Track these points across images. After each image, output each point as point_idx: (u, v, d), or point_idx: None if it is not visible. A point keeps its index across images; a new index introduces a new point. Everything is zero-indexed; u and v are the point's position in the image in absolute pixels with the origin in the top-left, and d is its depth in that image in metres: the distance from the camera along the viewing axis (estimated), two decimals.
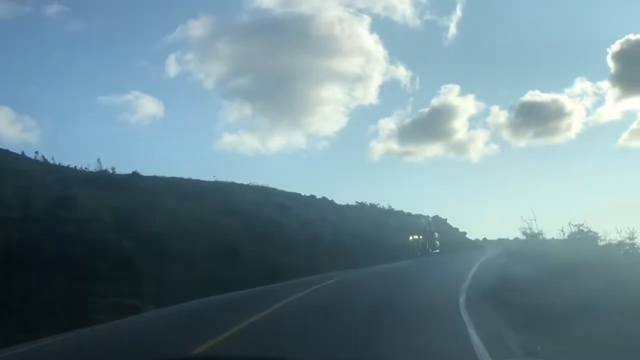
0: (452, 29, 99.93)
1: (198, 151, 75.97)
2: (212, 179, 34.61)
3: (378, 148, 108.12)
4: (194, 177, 34.50)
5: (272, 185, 38.30)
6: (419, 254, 37.70)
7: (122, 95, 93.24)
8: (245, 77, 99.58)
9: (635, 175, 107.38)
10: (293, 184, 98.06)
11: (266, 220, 25.96)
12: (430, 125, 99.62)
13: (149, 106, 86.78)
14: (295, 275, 20.36)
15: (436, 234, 45.57)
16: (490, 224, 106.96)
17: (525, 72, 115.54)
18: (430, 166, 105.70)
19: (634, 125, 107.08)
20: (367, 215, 42.68)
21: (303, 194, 39.97)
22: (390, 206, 53.34)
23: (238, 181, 36.83)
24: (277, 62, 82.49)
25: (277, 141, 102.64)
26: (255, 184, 36.70)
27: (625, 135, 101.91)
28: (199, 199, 26.83)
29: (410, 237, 41.06)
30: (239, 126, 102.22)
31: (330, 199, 43.52)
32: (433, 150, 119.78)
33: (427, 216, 52.70)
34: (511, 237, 67.42)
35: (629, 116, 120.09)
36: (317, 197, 42.08)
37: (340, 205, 42.35)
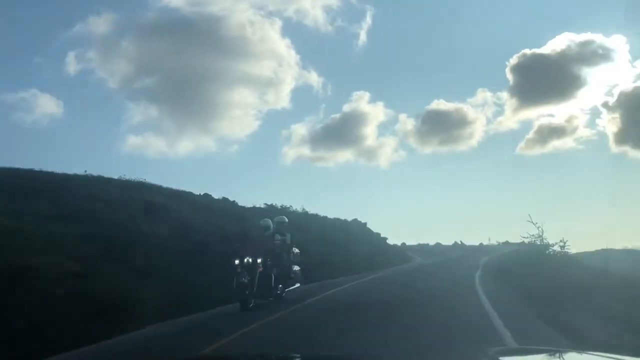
0: (363, 37, 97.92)
1: (100, 152, 67.64)
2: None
3: (290, 153, 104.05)
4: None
5: (155, 181, 29.59)
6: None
7: (17, 93, 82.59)
8: (151, 77, 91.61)
9: (531, 181, 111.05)
10: (203, 188, 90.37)
11: (122, 225, 17.74)
12: (341, 131, 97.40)
13: (47, 105, 77.12)
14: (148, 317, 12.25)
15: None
16: (407, 229, 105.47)
17: (431, 82, 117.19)
18: (341, 171, 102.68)
19: (530, 135, 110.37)
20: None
21: (197, 193, 31.68)
22: (304, 209, 46.82)
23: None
24: (186, 63, 75.72)
25: (186, 144, 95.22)
26: (126, 177, 27.88)
27: (522, 144, 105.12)
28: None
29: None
30: (145, 128, 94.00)
31: (232, 199, 35.62)
32: (344, 156, 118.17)
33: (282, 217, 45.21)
34: (431, 243, 65.67)
35: (526, 126, 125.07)
36: (215, 197, 34.23)
37: (244, 208, 34.53)
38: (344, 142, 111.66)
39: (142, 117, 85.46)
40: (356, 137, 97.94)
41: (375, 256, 34.88)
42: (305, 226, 33.46)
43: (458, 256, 46.29)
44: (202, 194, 32.31)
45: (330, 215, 52.70)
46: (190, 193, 31.14)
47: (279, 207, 44.25)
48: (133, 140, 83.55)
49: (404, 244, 60.82)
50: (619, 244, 66.63)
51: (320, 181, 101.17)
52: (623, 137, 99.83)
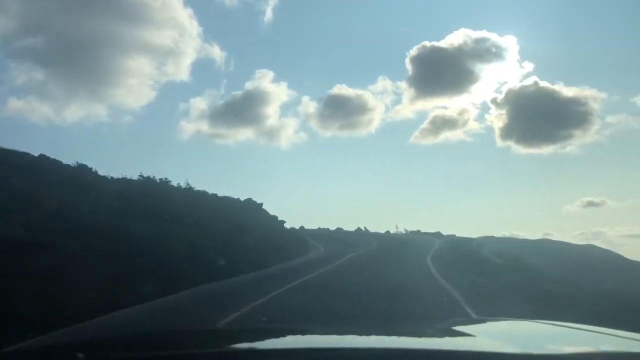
0: (269, 14, 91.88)
1: None
2: None
3: (188, 128, 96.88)
4: None
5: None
6: None
7: None
8: (38, 37, 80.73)
9: (423, 170, 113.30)
10: (88, 158, 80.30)
11: None
12: (243, 109, 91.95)
13: None
14: None
15: None
16: (307, 213, 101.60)
17: (334, 66, 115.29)
18: (241, 150, 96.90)
19: (424, 125, 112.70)
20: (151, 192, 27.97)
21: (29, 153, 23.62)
22: (189, 184, 39.77)
23: None
24: (78, 23, 66.40)
25: (75, 111, 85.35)
26: None
27: (416, 133, 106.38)
28: None
29: None
30: (29, 91, 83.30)
31: (92, 168, 27.74)
32: (245, 134, 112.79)
33: None
34: (332, 227, 61.14)
35: (421, 116, 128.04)
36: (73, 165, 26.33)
37: (105, 178, 26.92)
38: (245, 120, 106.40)
39: (25, 79, 73.50)
40: (258, 116, 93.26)
41: (270, 245, 28.60)
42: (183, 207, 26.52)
43: (377, 248, 37.50)
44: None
45: (227, 196, 46.25)
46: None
47: (158, 181, 37.13)
48: (14, 104, 71.56)
49: (302, 227, 55.41)
50: (499, 232, 68.66)
51: (218, 159, 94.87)
52: (508, 132, 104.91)
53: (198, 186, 41.85)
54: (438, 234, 45.04)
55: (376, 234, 50.73)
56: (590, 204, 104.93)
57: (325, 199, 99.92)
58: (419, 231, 50.49)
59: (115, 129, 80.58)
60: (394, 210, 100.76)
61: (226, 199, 45.29)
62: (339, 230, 56.15)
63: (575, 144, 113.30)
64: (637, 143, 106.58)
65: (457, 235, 44.07)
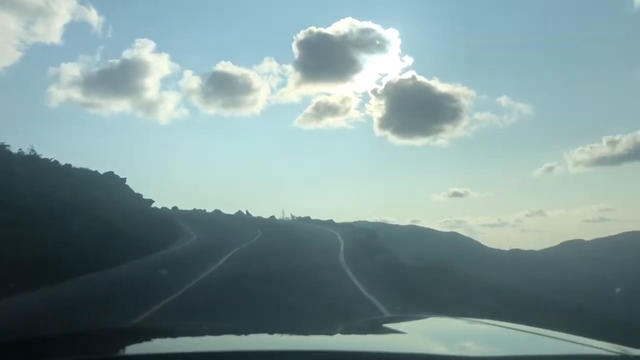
0: None
1: None
2: None
3: (58, 95, 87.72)
4: None
5: None
6: None
7: None
8: None
9: (305, 155, 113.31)
10: None
11: None
12: (120, 79, 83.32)
13: None
14: None
15: None
16: (182, 193, 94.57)
17: (220, 42, 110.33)
18: (115, 122, 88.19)
19: (308, 110, 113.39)
20: None
21: None
22: (33, 151, 32.07)
23: None
24: None
25: None
26: None
27: (300, 117, 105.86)
28: None
29: None
30: None
31: None
32: (120, 105, 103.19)
33: None
34: (209, 209, 54.98)
35: (305, 100, 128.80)
36: None
37: None
38: (122, 91, 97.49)
39: None
40: (136, 87, 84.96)
41: (116, 231, 21.75)
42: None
43: (265, 242, 26.95)
44: None
45: (85, 167, 38.56)
46: None
47: None
48: None
49: (176, 208, 48.55)
50: (372, 217, 71.39)
51: (89, 130, 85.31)
52: (385, 123, 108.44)
53: (63, 159, 34.68)
54: (330, 223, 39.88)
55: (259, 219, 44.66)
56: (455, 194, 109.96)
57: (205, 179, 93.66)
58: (308, 218, 45.37)
59: None
60: (276, 194, 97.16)
61: (81, 171, 37.54)
62: (217, 212, 49.81)
63: (445, 138, 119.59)
64: (498, 140, 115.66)
65: (336, 220, 40.04)
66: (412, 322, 2.84)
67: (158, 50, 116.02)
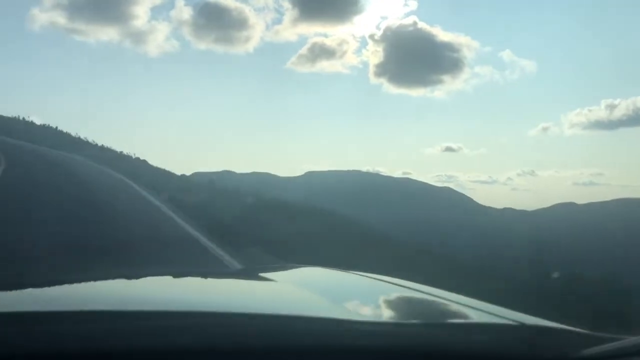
0: None
1: None
2: None
3: (41, 18, 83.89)
4: None
5: None
6: None
7: None
8: None
9: (294, 100, 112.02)
10: None
11: None
12: (108, 4, 78.73)
13: None
14: None
15: None
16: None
17: None
18: (102, 51, 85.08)
19: (302, 51, 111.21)
20: None
21: None
22: None
23: None
24: None
25: None
26: None
27: (293, 58, 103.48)
28: None
29: None
30: None
31: None
32: (107, 33, 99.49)
33: None
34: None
35: (301, 40, 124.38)
36: None
37: None
38: (110, 18, 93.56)
39: None
40: (124, 14, 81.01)
41: None
42: None
43: None
44: None
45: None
46: None
47: None
48: None
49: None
50: (364, 167, 71.00)
51: (75, 57, 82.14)
52: (382, 70, 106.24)
53: None
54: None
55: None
56: (449, 149, 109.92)
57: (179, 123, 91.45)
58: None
59: None
60: (260, 140, 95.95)
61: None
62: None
63: (443, 90, 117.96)
64: (497, 97, 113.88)
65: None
66: (284, 272, 2.44)
67: None
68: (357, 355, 1.19)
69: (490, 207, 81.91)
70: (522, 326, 1.45)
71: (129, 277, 1.98)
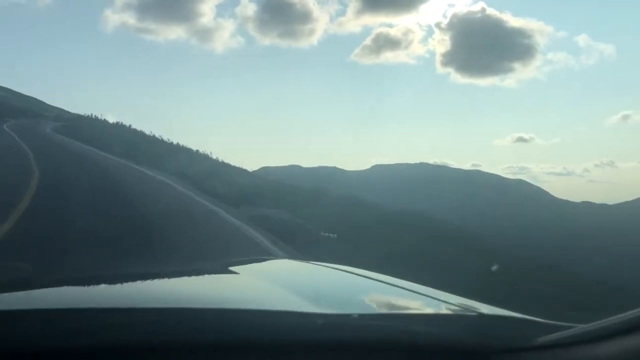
0: None
1: None
2: None
3: (113, 19, 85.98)
4: None
5: None
6: None
7: None
8: None
9: (359, 92, 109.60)
10: None
11: None
12: (175, 2, 79.25)
13: None
14: None
15: None
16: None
17: None
18: (170, 49, 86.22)
19: (367, 42, 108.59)
20: None
21: None
22: None
23: None
24: None
25: None
26: None
27: (357, 50, 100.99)
28: None
29: None
30: None
31: None
32: (175, 32, 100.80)
33: None
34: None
35: (365, 31, 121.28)
36: None
37: None
38: (177, 16, 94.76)
39: None
40: (190, 12, 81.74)
41: None
42: None
43: None
44: None
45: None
46: None
47: None
48: None
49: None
50: (431, 159, 68.77)
51: (145, 57, 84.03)
52: (449, 59, 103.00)
53: None
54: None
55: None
56: (520, 139, 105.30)
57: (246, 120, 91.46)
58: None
59: (29, 11, 67.99)
60: (326, 135, 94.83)
61: None
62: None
63: (514, 78, 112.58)
64: (573, 83, 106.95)
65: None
66: (252, 265, 2.44)
67: None
68: (313, 348, 1.22)
69: (566, 201, 77.23)
70: (478, 316, 1.45)
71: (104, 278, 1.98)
